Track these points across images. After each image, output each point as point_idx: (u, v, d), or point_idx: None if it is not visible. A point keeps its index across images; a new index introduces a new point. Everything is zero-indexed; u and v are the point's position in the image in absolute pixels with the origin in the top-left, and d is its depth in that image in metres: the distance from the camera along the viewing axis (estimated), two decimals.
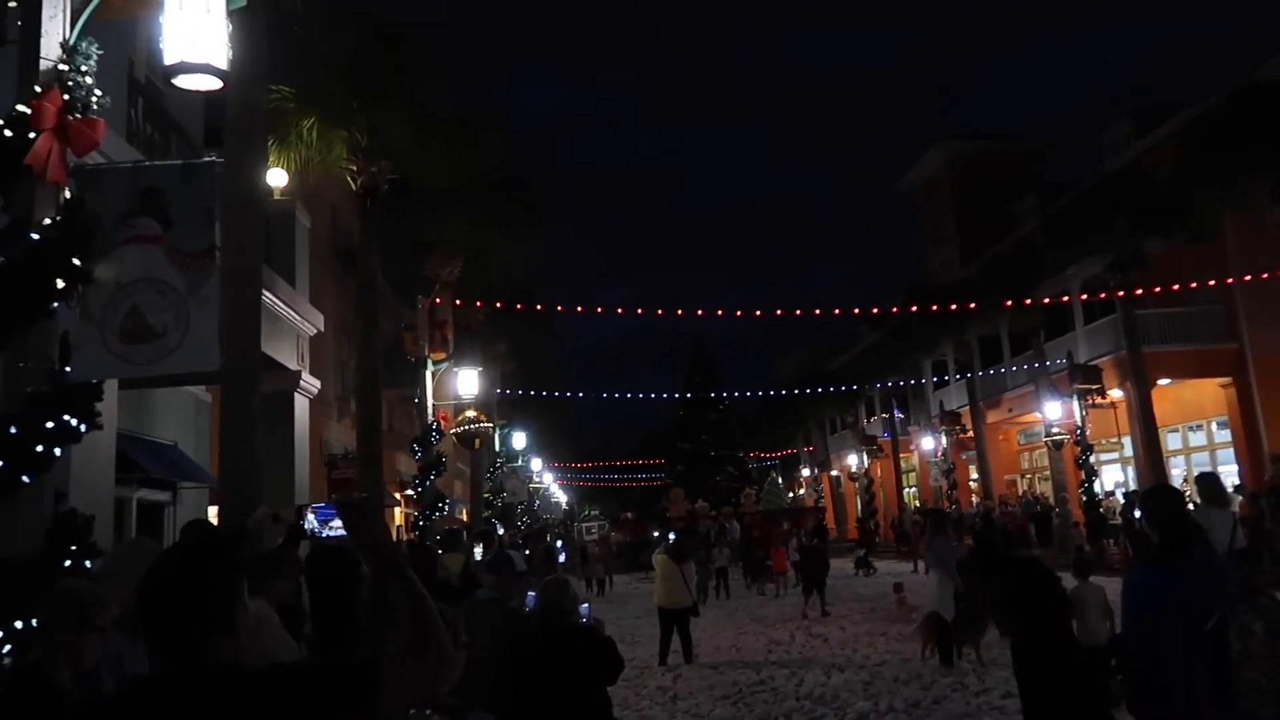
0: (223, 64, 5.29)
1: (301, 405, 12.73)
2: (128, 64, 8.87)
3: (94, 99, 5.02)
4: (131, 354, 5.06)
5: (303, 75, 12.87)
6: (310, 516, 2.97)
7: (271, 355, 10.84)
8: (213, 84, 5.40)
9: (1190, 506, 10.32)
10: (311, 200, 16.03)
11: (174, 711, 1.70)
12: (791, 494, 49.49)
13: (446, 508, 16.85)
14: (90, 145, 5.08)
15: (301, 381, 12.54)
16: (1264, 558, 14.94)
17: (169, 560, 1.88)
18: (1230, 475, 23.54)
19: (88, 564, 4.40)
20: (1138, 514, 12.73)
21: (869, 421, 41.91)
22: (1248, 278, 20.08)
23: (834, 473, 47.69)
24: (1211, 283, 21.39)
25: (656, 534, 30.84)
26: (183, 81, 5.37)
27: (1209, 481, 10.22)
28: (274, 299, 11.12)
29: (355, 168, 14.30)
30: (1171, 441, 25.75)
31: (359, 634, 4.62)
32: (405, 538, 18.37)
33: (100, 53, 5.22)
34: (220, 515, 8.21)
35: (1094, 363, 24.23)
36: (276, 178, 13.33)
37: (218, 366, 5.74)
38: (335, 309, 19.50)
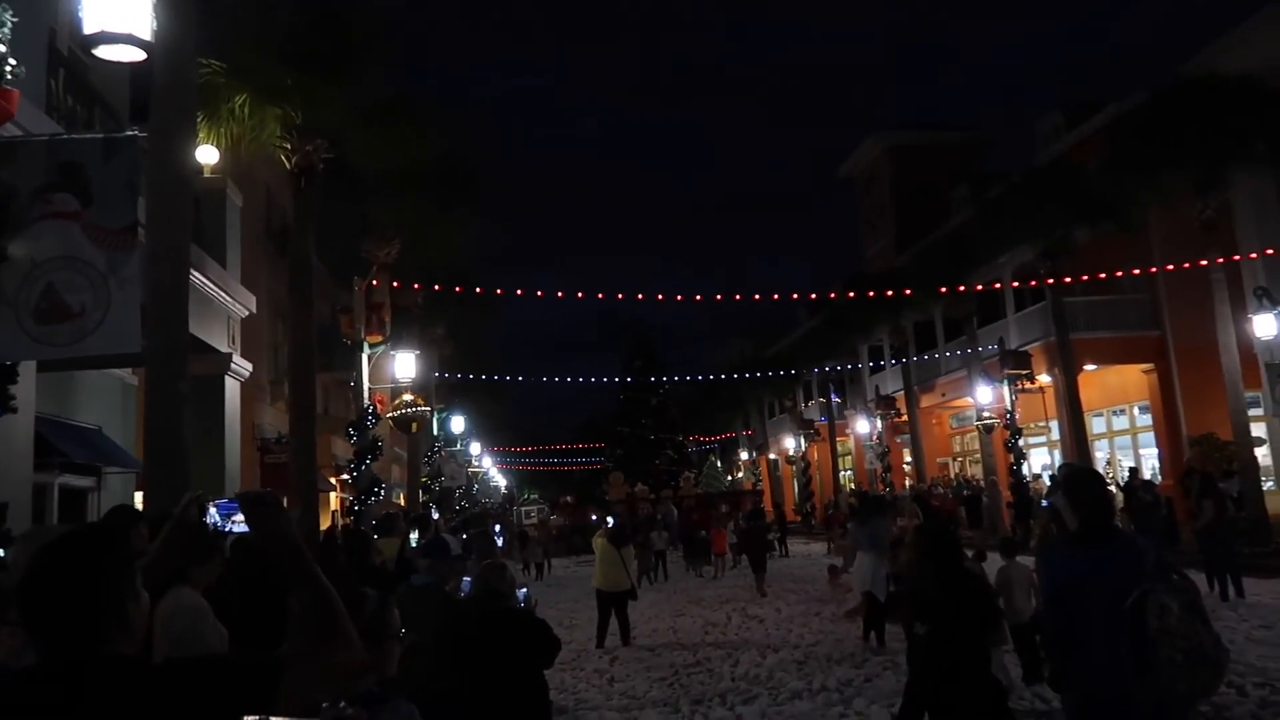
0: (146, 35, 5.11)
1: (232, 388, 12.46)
2: (48, 33, 8.52)
3: (8, 68, 4.82)
4: (47, 335, 4.88)
5: (235, 50, 12.49)
6: (212, 510, 2.85)
7: (200, 337, 10.58)
8: (135, 55, 5.21)
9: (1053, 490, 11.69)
10: (244, 179, 15.63)
11: (54, 707, 1.63)
12: (730, 477, 50.00)
13: (383, 492, 16.65)
14: (4, 117, 4.88)
15: (232, 364, 12.27)
16: (1179, 537, 15.51)
17: (51, 551, 1.78)
18: (1150, 458, 24.45)
19: (1, 553, 4.25)
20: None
21: (806, 405, 42.45)
22: (1170, 267, 20.77)
23: (772, 456, 48.25)
24: (1136, 272, 22.08)
25: (595, 517, 30.92)
26: (103, 52, 5.17)
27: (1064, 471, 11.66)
28: (203, 279, 10.85)
29: (290, 146, 13.94)
30: (1096, 425, 26.60)
31: (285, 627, 4.52)
32: (341, 522, 18.11)
33: (15, 20, 5.01)
34: (146, 501, 7.99)
35: (1024, 348, 24.88)
36: (207, 154, 12.96)
37: (140, 348, 5.57)
38: (269, 290, 19.06)
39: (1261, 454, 20.02)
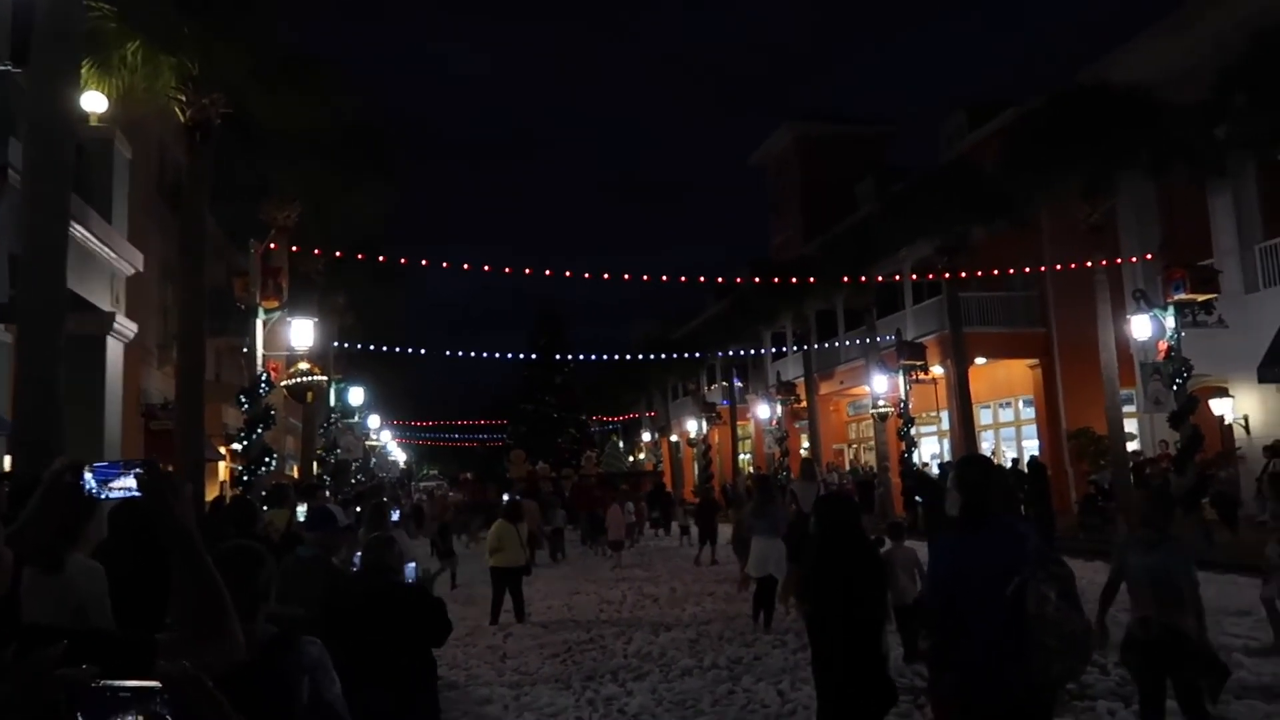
0: None
1: (115, 349, 11.90)
2: None
3: None
4: None
5: None
6: (88, 475, 2.67)
7: (80, 294, 10.05)
8: None
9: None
10: (136, 131, 14.85)
11: None
12: (632, 458, 50.26)
13: (274, 463, 16.15)
14: None
15: (115, 324, 11.72)
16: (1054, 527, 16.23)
17: None
18: (1031, 449, 25.57)
19: None
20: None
21: (710, 389, 42.93)
22: (1059, 267, 21.68)
23: (674, 438, 48.67)
24: (1027, 270, 23.00)
25: (505, 496, 30.84)
26: None
27: (804, 463, 14.75)
28: (85, 233, 10.30)
29: (185, 98, 13.29)
30: (984, 417, 27.66)
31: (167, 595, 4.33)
32: (230, 493, 17.49)
33: None
34: (14, 464, 7.56)
35: (920, 340, 25.66)
36: (94, 102, 12.26)
37: (6, 299, 5.24)
38: (161, 250, 18.23)
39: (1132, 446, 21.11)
